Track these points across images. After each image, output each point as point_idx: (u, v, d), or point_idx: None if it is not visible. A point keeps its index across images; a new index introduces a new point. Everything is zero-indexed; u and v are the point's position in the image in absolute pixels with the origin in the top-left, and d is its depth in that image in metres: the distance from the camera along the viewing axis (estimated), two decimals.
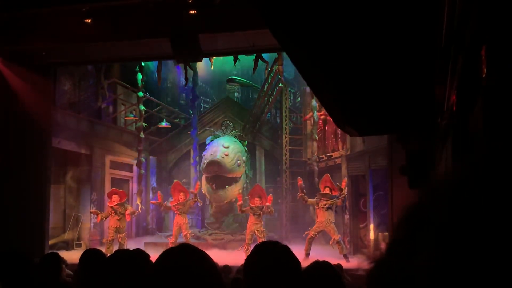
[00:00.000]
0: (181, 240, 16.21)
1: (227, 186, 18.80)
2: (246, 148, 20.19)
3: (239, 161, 18.94)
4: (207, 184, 19.10)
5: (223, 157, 18.43)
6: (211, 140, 19.65)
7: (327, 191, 14.93)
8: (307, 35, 3.31)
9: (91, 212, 17.37)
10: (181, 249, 1.86)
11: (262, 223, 15.85)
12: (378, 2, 2.94)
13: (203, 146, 21.47)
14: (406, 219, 0.83)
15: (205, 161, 18.60)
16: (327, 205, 14.77)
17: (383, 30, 3.23)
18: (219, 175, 18.62)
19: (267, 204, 15.64)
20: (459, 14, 2.70)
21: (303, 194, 15.31)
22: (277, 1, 2.96)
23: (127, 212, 16.56)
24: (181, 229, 16.55)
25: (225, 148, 18.78)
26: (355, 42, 3.38)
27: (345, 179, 15.28)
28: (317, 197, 15.10)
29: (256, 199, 15.83)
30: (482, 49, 2.44)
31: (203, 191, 19.21)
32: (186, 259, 1.82)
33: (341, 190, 14.75)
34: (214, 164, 18.30)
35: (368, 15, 3.04)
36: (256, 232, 15.49)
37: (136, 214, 18.00)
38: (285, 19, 3.14)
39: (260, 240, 14.94)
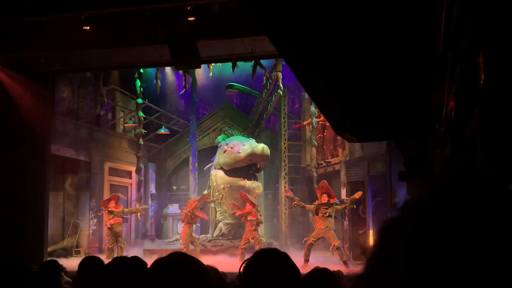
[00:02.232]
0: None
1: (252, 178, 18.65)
2: None
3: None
4: (225, 176, 18.51)
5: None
6: (223, 139, 19.36)
7: (324, 197, 14.79)
8: (306, 43, 3.32)
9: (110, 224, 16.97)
10: (172, 257, 1.87)
11: (257, 230, 15.78)
12: (375, 11, 2.96)
13: (202, 153, 21.47)
14: (382, 233, 0.85)
15: (241, 151, 17.84)
16: (327, 214, 14.69)
17: (381, 38, 3.24)
18: (255, 163, 18.28)
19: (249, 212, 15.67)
20: (456, 21, 2.71)
21: (296, 202, 15.30)
22: (276, 10, 2.97)
23: (140, 208, 17.20)
24: (190, 238, 16.45)
25: (253, 140, 18.61)
26: (353, 50, 3.39)
27: (360, 193, 14.78)
28: (315, 204, 15.02)
29: (247, 206, 15.88)
30: (479, 55, 2.45)
31: (218, 188, 18.79)
32: (178, 266, 1.82)
33: (352, 200, 14.68)
34: (263, 152, 17.70)
35: (366, 23, 3.05)
36: (251, 239, 15.47)
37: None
38: (284, 29, 3.15)
39: (257, 247, 14.95)
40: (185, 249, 15.99)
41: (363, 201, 16.36)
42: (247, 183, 17.97)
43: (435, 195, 0.78)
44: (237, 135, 19.92)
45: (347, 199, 15.07)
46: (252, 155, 17.82)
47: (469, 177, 0.78)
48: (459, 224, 0.73)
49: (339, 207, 14.89)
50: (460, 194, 0.76)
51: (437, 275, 0.72)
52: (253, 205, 15.95)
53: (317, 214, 14.75)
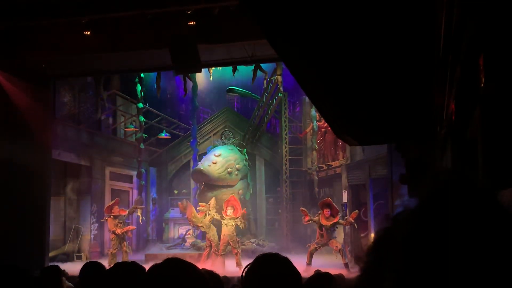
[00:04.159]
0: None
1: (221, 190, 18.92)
2: (246, 156, 20.22)
3: (229, 169, 18.90)
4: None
5: (210, 165, 18.58)
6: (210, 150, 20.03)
7: (327, 212, 14.73)
8: (306, 46, 3.32)
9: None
10: (168, 263, 1.86)
11: (235, 232, 15.67)
12: (376, 13, 2.95)
13: (203, 156, 21.48)
14: (375, 242, 0.86)
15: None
16: (331, 229, 14.81)
17: (381, 40, 3.24)
18: (210, 183, 18.80)
19: (240, 215, 15.58)
20: (456, 23, 2.71)
21: (309, 221, 15.28)
22: (275, 15, 2.97)
23: (138, 206, 16.89)
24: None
25: (215, 156, 19.00)
26: (354, 53, 3.39)
27: (357, 212, 14.98)
28: (318, 217, 14.99)
29: (228, 209, 15.71)
30: (480, 57, 2.44)
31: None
32: (174, 272, 1.82)
33: (350, 222, 14.77)
34: (196, 172, 18.60)
35: (366, 25, 3.05)
36: (231, 242, 15.36)
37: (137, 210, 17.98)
38: (284, 32, 3.15)
39: (235, 251, 15.13)
40: (215, 250, 15.86)
41: (364, 204, 16.34)
42: (227, 193, 18.46)
43: (426, 208, 0.79)
44: (231, 141, 20.23)
45: (346, 218, 15.06)
46: (192, 177, 19.43)
47: (459, 190, 0.79)
48: (450, 235, 0.74)
49: (342, 222, 14.92)
50: (451, 207, 0.76)
51: (427, 283, 0.73)
52: (240, 209, 15.90)
53: (321, 229, 14.79)
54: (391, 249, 0.78)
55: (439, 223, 0.75)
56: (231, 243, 15.34)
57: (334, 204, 14.99)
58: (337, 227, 15.28)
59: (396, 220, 0.83)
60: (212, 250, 15.85)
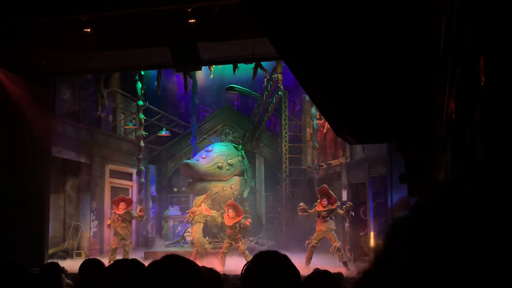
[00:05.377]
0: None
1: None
2: (242, 153, 20.07)
3: (220, 163, 18.79)
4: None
5: (198, 160, 18.56)
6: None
7: (324, 202, 14.87)
8: (306, 45, 3.32)
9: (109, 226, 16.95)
10: (167, 260, 1.87)
11: (239, 235, 15.65)
12: (376, 13, 2.96)
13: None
14: (388, 235, 0.87)
15: None
16: (327, 218, 14.85)
17: (382, 40, 3.24)
18: (201, 178, 18.83)
19: (242, 220, 15.61)
20: (456, 23, 2.71)
21: (306, 214, 15.32)
22: (275, 13, 2.97)
23: (138, 213, 16.81)
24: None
25: (206, 152, 19.00)
26: (354, 52, 3.39)
27: (351, 203, 15.28)
28: (315, 207, 15.08)
29: (230, 211, 15.72)
30: (480, 57, 2.44)
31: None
32: (173, 269, 1.83)
33: (348, 210, 14.91)
34: (184, 166, 18.59)
35: (366, 25, 3.06)
36: (233, 242, 15.40)
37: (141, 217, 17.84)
38: (284, 30, 3.15)
39: (240, 245, 15.27)
40: (197, 248, 16.01)
41: (364, 203, 16.36)
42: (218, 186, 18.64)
43: (427, 206, 0.80)
44: (228, 138, 20.26)
45: (347, 204, 15.15)
46: (181, 171, 19.53)
47: (460, 189, 0.79)
48: (450, 235, 0.75)
49: (341, 211, 14.99)
50: (451, 206, 0.77)
51: (427, 283, 0.74)
52: (240, 209, 15.98)
53: (318, 217, 14.93)
54: (397, 246, 0.79)
55: (440, 222, 0.76)
56: (233, 242, 15.44)
57: (332, 193, 15.11)
58: (335, 216, 15.29)
59: (397, 218, 0.84)
60: (194, 247, 16.06)
